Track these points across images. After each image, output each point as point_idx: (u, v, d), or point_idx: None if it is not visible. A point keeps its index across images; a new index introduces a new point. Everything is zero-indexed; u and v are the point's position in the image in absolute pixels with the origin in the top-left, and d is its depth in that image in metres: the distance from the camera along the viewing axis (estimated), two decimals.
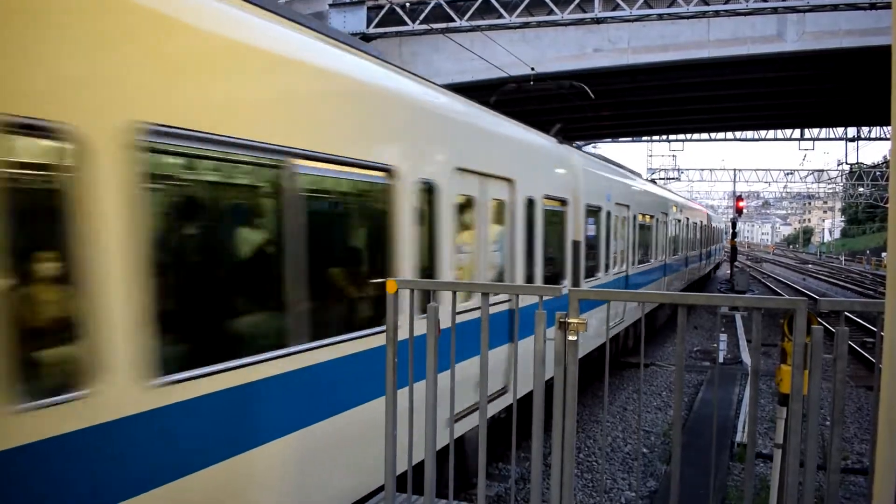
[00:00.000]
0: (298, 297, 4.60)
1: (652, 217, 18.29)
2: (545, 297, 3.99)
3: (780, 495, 5.51)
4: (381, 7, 16.37)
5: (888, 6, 14.16)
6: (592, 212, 11.83)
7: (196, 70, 3.92)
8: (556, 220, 10.08)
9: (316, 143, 4.84)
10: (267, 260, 4.57)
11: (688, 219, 26.39)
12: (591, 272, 11.93)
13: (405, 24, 16.19)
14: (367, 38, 15.94)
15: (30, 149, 3.12)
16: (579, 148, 14.33)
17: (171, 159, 3.88)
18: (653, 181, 28.67)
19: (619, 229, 14.08)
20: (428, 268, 6.29)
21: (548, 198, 9.52)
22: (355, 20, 16.37)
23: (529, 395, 4.02)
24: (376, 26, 16.40)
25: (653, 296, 5.75)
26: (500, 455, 9.40)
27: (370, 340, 5.27)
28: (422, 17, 16.03)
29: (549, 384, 3.84)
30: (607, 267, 13.15)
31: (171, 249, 3.91)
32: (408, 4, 16.09)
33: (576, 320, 3.75)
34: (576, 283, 10.86)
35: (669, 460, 9.60)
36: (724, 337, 19.97)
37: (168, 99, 3.68)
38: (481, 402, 4.14)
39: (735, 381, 14.28)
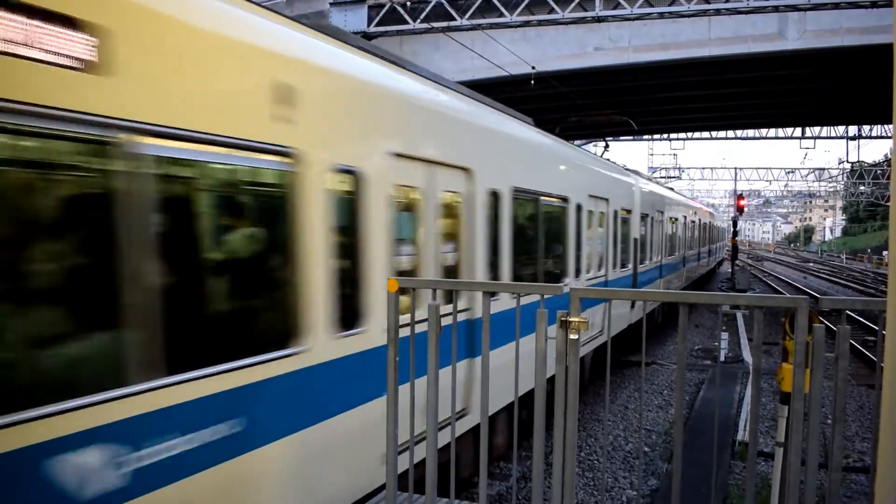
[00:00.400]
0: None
1: (676, 220, 23.31)
2: (547, 296, 3.99)
3: (782, 494, 5.51)
4: (381, 6, 16.37)
5: (889, 4, 14.15)
6: (643, 216, 16.65)
7: None
8: (625, 224, 14.62)
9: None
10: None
11: (700, 220, 31.30)
12: (640, 261, 16.30)
13: (406, 22, 16.18)
14: (367, 36, 15.94)
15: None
16: (580, 147, 14.42)
17: None
18: (671, 188, 29.66)
19: (658, 230, 18.86)
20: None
21: (623, 209, 14.46)
22: (356, 19, 16.37)
23: (527, 396, 4.03)
24: (377, 25, 16.40)
25: (654, 294, 5.68)
26: (500, 454, 9.41)
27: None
28: (423, 16, 16.02)
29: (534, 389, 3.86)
30: (651, 258, 17.82)
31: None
32: (408, 3, 16.08)
33: (577, 319, 3.75)
34: (635, 267, 15.50)
35: (670, 459, 9.60)
36: (725, 335, 19.97)
37: None
38: (482, 402, 4.14)
39: (736, 380, 14.27)
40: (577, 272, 11.15)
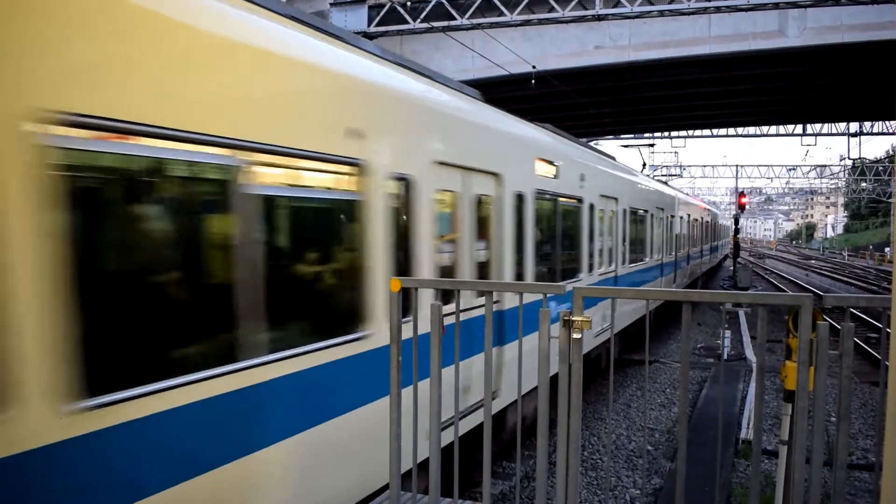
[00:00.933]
0: None
1: (696, 220, 28.49)
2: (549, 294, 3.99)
3: (786, 492, 5.50)
4: (381, 6, 16.36)
5: (890, 0, 14.13)
6: (680, 218, 22.26)
7: None
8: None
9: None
10: None
11: (711, 219, 36.75)
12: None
13: (406, 22, 16.17)
14: (368, 36, 15.93)
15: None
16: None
17: None
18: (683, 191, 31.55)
19: (685, 228, 24.40)
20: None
21: (671, 216, 20.01)
22: (356, 19, 16.36)
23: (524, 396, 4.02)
24: (377, 25, 16.39)
25: (657, 293, 5.72)
26: (504, 453, 9.40)
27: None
28: (423, 16, 16.02)
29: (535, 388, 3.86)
30: (680, 249, 22.86)
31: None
32: (409, 3, 16.07)
33: (580, 318, 3.75)
34: (675, 258, 20.85)
35: (674, 457, 9.59)
36: (727, 334, 19.96)
37: None
38: (486, 401, 4.13)
39: (738, 378, 14.26)
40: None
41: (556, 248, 10.24)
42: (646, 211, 17.22)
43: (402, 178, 5.84)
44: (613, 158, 16.04)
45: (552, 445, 3.91)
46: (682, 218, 24.16)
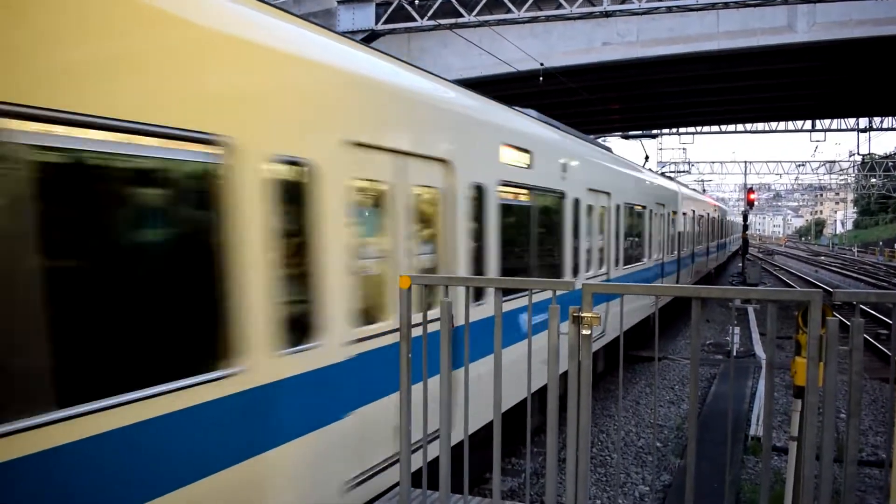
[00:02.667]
0: None
1: (707, 215, 28.99)
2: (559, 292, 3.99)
3: (796, 488, 5.50)
4: (389, 3, 16.36)
5: None
6: (683, 214, 22.29)
7: None
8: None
9: None
10: None
11: (719, 215, 36.38)
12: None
13: (414, 19, 16.17)
14: (376, 34, 15.96)
15: None
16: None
17: None
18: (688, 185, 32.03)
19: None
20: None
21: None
22: (364, 16, 16.37)
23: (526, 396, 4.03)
24: (385, 22, 16.40)
25: (666, 289, 5.59)
26: (512, 450, 9.42)
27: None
28: (430, 13, 16.01)
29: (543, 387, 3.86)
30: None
31: None
32: (416, 1, 16.07)
33: (589, 314, 3.75)
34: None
35: (683, 454, 9.58)
36: (737, 330, 19.91)
37: None
38: (495, 396, 4.14)
39: (748, 375, 14.22)
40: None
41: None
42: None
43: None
44: (609, 150, 15.15)
45: (561, 442, 3.92)
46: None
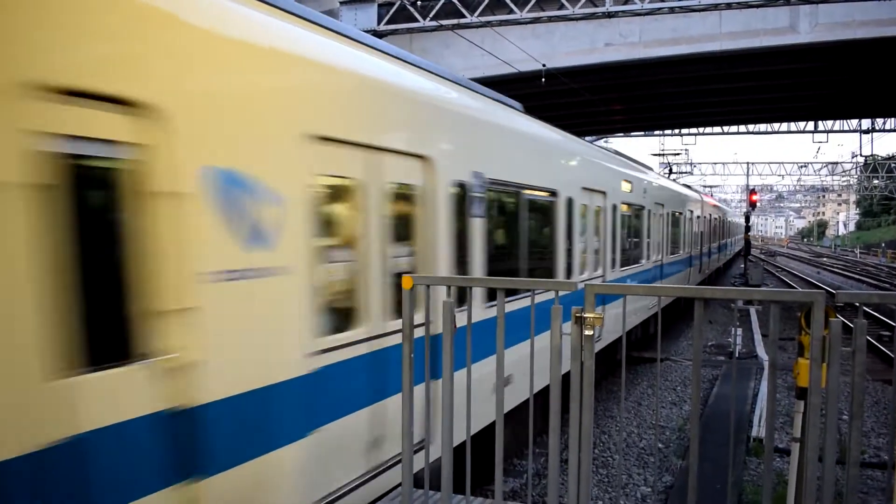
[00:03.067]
0: None
1: (704, 217, 28.56)
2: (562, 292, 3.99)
3: (799, 490, 5.49)
4: (391, 4, 16.38)
5: None
6: (698, 217, 24.92)
7: None
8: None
9: None
10: None
11: (721, 216, 37.59)
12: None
13: (416, 20, 16.19)
14: (378, 34, 15.96)
15: None
16: (592, 143, 14.13)
17: None
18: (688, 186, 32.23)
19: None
20: None
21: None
22: (366, 17, 16.39)
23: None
24: (387, 23, 16.42)
25: (668, 290, 5.55)
26: (514, 451, 9.42)
27: None
28: (432, 14, 16.02)
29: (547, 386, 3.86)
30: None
31: None
32: (418, 1, 16.09)
33: (592, 315, 3.75)
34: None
35: (685, 455, 9.58)
36: (739, 331, 19.89)
37: None
38: (497, 396, 4.14)
39: (750, 376, 14.21)
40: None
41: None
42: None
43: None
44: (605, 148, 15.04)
45: (563, 443, 3.92)
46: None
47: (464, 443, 4.44)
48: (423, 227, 6.06)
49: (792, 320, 17.62)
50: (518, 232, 8.34)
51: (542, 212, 9.18)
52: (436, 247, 6.14)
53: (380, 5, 16.51)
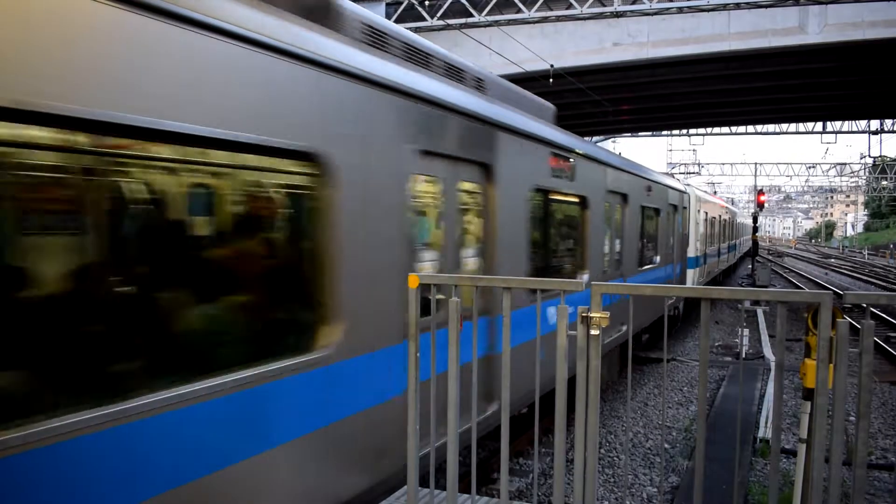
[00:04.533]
0: None
1: (713, 218, 28.51)
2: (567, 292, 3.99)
3: (805, 491, 5.48)
4: (399, 3, 16.39)
5: None
6: (712, 219, 25.16)
7: None
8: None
9: None
10: None
11: (729, 217, 38.00)
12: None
13: (423, 19, 16.19)
14: None
15: None
16: (595, 143, 14.04)
17: None
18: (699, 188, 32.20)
19: (716, 226, 26.79)
20: None
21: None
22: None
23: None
24: (395, 22, 16.42)
25: (675, 290, 5.57)
26: (520, 451, 9.42)
27: None
28: (440, 13, 16.02)
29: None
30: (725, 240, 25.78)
31: None
32: (426, 0, 16.09)
33: (598, 314, 3.75)
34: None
35: (691, 456, 9.56)
36: (746, 332, 19.83)
37: None
38: (503, 395, 4.14)
39: (757, 377, 14.17)
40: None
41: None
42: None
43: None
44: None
45: (569, 443, 3.92)
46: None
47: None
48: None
49: (800, 321, 17.56)
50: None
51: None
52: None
53: (388, 4, 16.51)
